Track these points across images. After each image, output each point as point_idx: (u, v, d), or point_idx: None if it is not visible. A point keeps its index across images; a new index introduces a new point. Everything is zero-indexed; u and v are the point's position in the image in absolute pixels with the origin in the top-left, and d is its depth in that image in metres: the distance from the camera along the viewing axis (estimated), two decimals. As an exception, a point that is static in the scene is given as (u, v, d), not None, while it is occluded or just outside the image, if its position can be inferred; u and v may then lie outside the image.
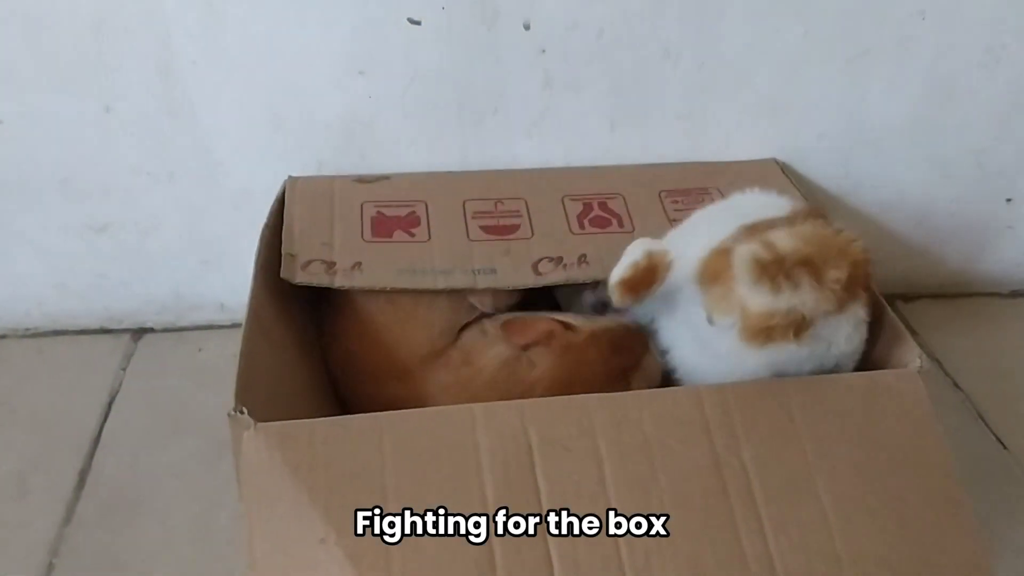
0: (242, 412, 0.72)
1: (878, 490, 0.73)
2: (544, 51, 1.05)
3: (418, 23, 1.01)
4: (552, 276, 0.94)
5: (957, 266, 1.29)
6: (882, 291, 0.89)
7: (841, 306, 0.74)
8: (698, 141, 1.14)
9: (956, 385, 1.14)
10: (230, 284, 1.18)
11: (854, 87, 1.11)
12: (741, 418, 0.76)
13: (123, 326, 1.22)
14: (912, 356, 0.81)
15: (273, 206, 1.01)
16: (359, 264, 0.94)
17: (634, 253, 0.82)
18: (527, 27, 1.02)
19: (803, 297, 0.68)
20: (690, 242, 0.83)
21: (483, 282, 0.93)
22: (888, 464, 0.75)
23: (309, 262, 0.93)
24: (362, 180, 1.08)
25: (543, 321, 0.92)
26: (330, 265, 0.93)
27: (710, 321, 0.76)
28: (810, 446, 0.74)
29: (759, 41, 1.07)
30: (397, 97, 1.07)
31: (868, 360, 0.87)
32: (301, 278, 0.91)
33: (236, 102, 1.05)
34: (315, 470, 0.71)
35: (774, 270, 0.67)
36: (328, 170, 1.11)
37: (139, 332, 1.22)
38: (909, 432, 0.77)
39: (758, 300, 0.70)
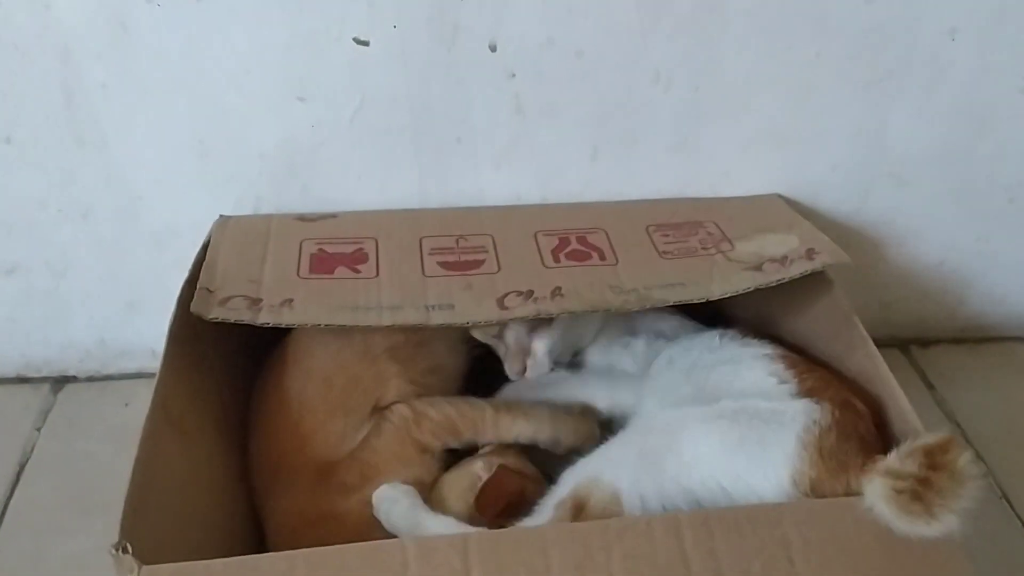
0: (126, 551, 0.60)
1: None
2: (514, 75, 0.90)
3: (366, 44, 0.86)
4: (520, 310, 0.79)
5: (980, 308, 1.15)
6: (896, 335, 0.77)
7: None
8: (692, 174, 1.00)
9: (977, 456, 1.00)
10: (160, 329, 1.03)
11: (874, 114, 0.98)
12: (729, 559, 0.63)
13: (42, 374, 1.09)
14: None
15: (198, 254, 0.88)
16: (290, 301, 0.79)
17: None
18: (493, 49, 0.88)
19: None
20: None
21: (438, 318, 0.78)
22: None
23: (229, 298, 0.79)
24: (304, 218, 0.94)
25: (511, 478, 0.78)
26: (255, 302, 0.78)
27: None
28: (815, 601, 0.61)
29: (764, 62, 0.93)
30: (344, 124, 0.93)
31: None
32: (216, 313, 0.77)
33: (153, 129, 0.92)
34: (209, 632, 0.58)
35: None
36: (268, 207, 0.98)
37: (61, 381, 1.09)
38: None
39: None
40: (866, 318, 0.82)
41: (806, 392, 0.78)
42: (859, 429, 0.74)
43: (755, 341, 0.88)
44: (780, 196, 1.01)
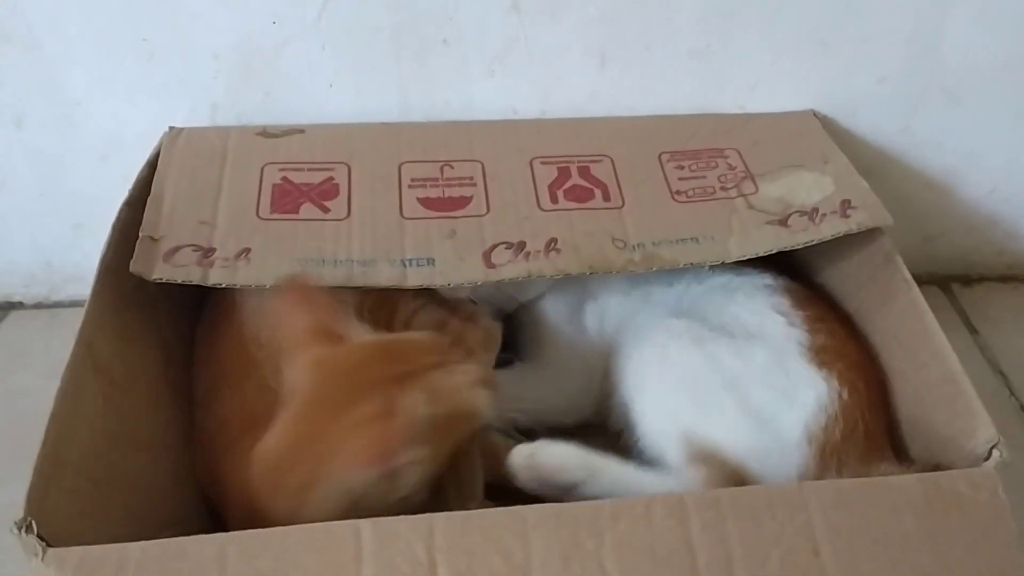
0: (29, 529, 0.51)
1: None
2: (509, -38, 0.77)
3: (332, -79, 0.73)
4: (509, 269, 0.71)
5: (1034, 243, 1.03)
6: (936, 271, 0.73)
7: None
8: (715, 86, 0.88)
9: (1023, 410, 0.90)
10: (112, 252, 0.94)
11: (930, 17, 0.85)
12: (741, 547, 0.54)
13: (-17, 299, 0.99)
14: (983, 436, 0.59)
15: (141, 172, 0.77)
16: (247, 252, 0.70)
17: None
18: (484, -71, 0.74)
19: None
20: None
21: (415, 278, 0.70)
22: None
23: (177, 248, 0.70)
24: (267, 134, 0.82)
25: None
26: (207, 252, 0.70)
27: None
28: (843, 598, 0.52)
29: (806, -48, 0.79)
30: (310, 20, 0.81)
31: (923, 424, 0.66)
32: (161, 272, 0.68)
33: (88, 23, 0.80)
34: (123, 626, 0.49)
35: None
36: (225, 117, 0.86)
37: (5, 308, 0.99)
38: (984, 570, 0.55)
39: None
40: (905, 254, 0.73)
41: (817, 354, 0.69)
42: (863, 421, 0.67)
43: (751, 270, 0.79)
44: (815, 113, 0.88)
